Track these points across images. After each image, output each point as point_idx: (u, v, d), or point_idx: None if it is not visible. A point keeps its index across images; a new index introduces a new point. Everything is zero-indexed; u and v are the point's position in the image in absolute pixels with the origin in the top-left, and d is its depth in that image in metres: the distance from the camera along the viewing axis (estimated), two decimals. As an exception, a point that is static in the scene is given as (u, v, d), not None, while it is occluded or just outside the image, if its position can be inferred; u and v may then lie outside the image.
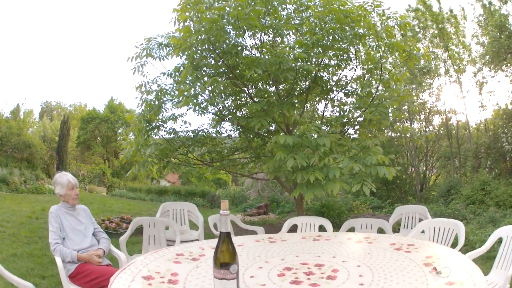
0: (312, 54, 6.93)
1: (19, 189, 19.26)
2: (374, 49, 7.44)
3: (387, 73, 7.51)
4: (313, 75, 7.07)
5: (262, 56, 7.11)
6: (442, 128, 17.88)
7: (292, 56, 6.46)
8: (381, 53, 7.30)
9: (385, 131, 8.74)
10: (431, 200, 16.00)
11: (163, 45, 7.31)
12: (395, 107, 8.26)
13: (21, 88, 65.18)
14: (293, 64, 6.33)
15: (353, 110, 7.54)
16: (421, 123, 17.98)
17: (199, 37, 6.32)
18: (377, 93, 7.44)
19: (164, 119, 7.48)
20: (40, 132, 28.49)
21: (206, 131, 8.09)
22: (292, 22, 7.43)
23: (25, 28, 67.48)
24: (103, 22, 77.97)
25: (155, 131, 7.52)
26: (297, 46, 7.04)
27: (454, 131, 17.41)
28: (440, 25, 16.67)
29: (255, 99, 7.45)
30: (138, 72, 7.30)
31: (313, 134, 6.16)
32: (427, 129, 17.64)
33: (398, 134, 9.77)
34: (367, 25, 7.02)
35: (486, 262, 6.02)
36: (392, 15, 7.34)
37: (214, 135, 8.27)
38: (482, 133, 18.21)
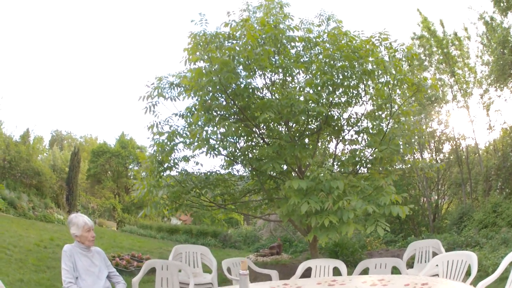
0: (322, 94, 6.99)
1: (27, 214, 19.30)
2: (383, 84, 7.49)
3: (397, 106, 7.52)
4: (324, 115, 7.07)
5: (273, 96, 7.17)
6: (452, 155, 17.76)
7: (303, 98, 6.47)
8: (390, 88, 7.33)
9: (396, 165, 8.69)
10: (444, 229, 15.78)
11: (174, 85, 7.38)
12: (406, 145, 8.23)
13: (32, 113, 66.25)
14: (305, 107, 6.35)
15: (364, 149, 7.54)
16: (431, 153, 17.89)
17: (211, 79, 6.38)
18: (388, 129, 7.43)
19: (176, 160, 7.48)
20: (50, 161, 28.77)
21: (218, 172, 8.08)
22: (302, 60, 7.51)
23: (40, 56, 69.24)
24: (117, 57, 79.57)
25: (167, 172, 7.52)
26: (307, 86, 7.10)
27: (464, 157, 17.27)
28: (445, 50, 16.79)
29: (266, 140, 7.46)
30: (149, 112, 7.35)
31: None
32: (438, 158, 17.54)
33: (409, 165, 9.67)
34: (376, 61, 7.09)
35: (498, 285, 5.99)
36: (399, 47, 7.41)
37: (226, 176, 8.25)
38: (491, 155, 18.07)
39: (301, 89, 7.07)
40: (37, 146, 27.40)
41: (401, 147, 7.64)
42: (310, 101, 6.56)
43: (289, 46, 7.38)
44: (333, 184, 5.62)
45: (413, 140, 13.54)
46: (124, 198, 32.24)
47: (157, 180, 7.34)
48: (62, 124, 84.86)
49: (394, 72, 7.25)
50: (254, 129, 7.36)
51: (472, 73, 18.11)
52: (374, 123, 7.61)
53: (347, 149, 8.37)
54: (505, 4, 18.43)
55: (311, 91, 6.87)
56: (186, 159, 7.52)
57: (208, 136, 6.52)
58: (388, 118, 7.46)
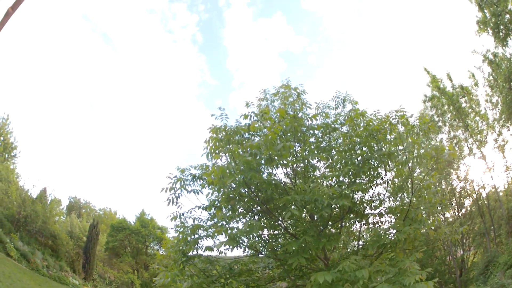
0: (344, 181, 7.03)
1: (40, 271, 19.09)
2: (403, 163, 7.50)
3: (418, 182, 7.49)
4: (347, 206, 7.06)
5: (295, 188, 7.21)
6: (473, 206, 17.45)
7: (325, 193, 6.48)
8: (410, 167, 7.35)
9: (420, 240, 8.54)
10: (471, 281, 15.29)
11: (196, 177, 7.51)
12: (430, 217, 8.13)
13: (51, 175, 67.45)
14: (328, 202, 6.36)
15: (388, 231, 7.43)
16: (454, 211, 17.59)
17: (234, 178, 6.46)
18: (410, 207, 7.36)
19: (199, 249, 7.43)
20: (67, 227, 29.01)
21: (242, 261, 7.97)
22: (321, 145, 7.62)
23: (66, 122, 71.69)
24: (141, 133, 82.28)
25: (190, 261, 7.45)
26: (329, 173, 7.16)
27: (485, 207, 16.94)
28: (456, 105, 16.99)
29: (290, 230, 7.40)
30: (172, 203, 7.42)
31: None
32: (460, 213, 17.22)
33: (433, 237, 9.52)
34: (394, 141, 7.17)
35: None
36: (415, 122, 7.51)
37: (250, 265, 8.12)
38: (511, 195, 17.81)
39: (323, 182, 7.08)
40: (54, 208, 27.71)
41: (424, 224, 7.52)
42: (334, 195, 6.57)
43: (308, 134, 7.54)
44: (358, 274, 5.53)
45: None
46: (143, 274, 32.35)
47: (181, 269, 7.27)
48: (81, 191, 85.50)
49: (413, 150, 7.31)
50: (278, 222, 7.32)
51: (484, 120, 18.19)
52: (397, 203, 7.55)
53: (371, 231, 8.23)
54: (503, 32, 18.91)
55: (332, 182, 6.90)
56: (209, 248, 7.47)
57: (233, 234, 6.49)
58: (410, 195, 7.41)
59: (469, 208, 18.07)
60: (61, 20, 67.33)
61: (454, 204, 17.59)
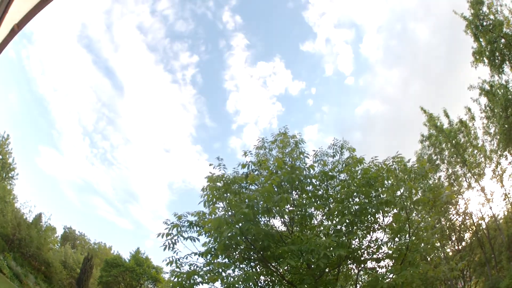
0: (342, 230, 7.00)
1: None
2: (400, 209, 7.53)
3: (416, 225, 7.51)
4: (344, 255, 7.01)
5: (292, 235, 7.18)
6: (473, 238, 17.35)
7: (322, 243, 6.46)
8: (408, 213, 7.37)
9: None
10: None
11: (193, 224, 7.47)
12: (427, 259, 8.10)
13: (48, 204, 66.74)
14: (325, 253, 6.32)
15: (385, 276, 7.36)
16: (453, 244, 17.48)
17: (231, 229, 6.43)
18: (407, 251, 7.33)
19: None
20: (61, 257, 28.75)
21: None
22: (319, 193, 7.63)
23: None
24: (136, 172, 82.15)
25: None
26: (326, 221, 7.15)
27: (485, 237, 16.86)
28: (453, 141, 17.11)
29: (287, 278, 7.33)
30: (168, 249, 7.37)
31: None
32: (460, 246, 17.11)
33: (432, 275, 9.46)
34: (391, 189, 7.21)
35: None
36: (412, 167, 7.57)
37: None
38: (511, 222, 17.74)
39: (320, 231, 7.06)
40: (49, 235, 27.53)
41: (422, 267, 7.48)
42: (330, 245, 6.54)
43: (305, 181, 7.54)
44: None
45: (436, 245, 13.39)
46: (136, 311, 31.90)
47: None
48: (76, 223, 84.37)
49: (411, 196, 7.35)
50: (274, 270, 7.25)
51: (482, 153, 18.26)
52: (393, 247, 7.52)
53: (369, 275, 8.15)
54: (498, 58, 19.15)
55: (330, 231, 6.88)
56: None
57: (230, 283, 6.42)
58: (407, 239, 7.41)
59: (469, 240, 17.92)
60: (63, 49, 68.20)
61: (453, 239, 17.46)
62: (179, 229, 7.37)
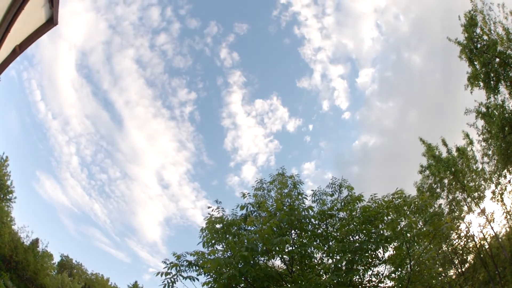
0: (342, 268, 6.96)
1: None
2: (401, 244, 7.53)
3: (417, 257, 7.50)
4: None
5: (291, 275, 7.12)
6: (476, 259, 17.28)
7: (322, 283, 6.41)
8: (409, 247, 7.35)
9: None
10: None
11: (192, 264, 7.41)
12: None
13: (45, 231, 65.89)
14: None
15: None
16: (456, 268, 17.38)
17: (230, 270, 6.40)
18: (408, 284, 7.30)
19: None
20: (58, 284, 28.38)
21: None
22: (318, 231, 7.60)
23: None
24: (132, 208, 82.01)
25: None
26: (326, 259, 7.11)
27: (488, 256, 16.78)
28: (452, 168, 17.20)
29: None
30: (168, 288, 7.28)
31: None
32: (463, 268, 17.02)
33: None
34: (391, 225, 7.20)
35: None
36: (412, 201, 7.60)
37: None
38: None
39: (320, 270, 7.02)
40: (46, 261, 27.24)
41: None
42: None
43: (304, 221, 7.53)
44: None
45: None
46: None
47: None
48: (72, 252, 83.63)
49: (411, 231, 7.35)
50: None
51: (481, 176, 18.31)
52: (396, 279, 7.48)
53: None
54: (493, 79, 19.33)
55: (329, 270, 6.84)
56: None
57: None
58: (408, 272, 7.39)
59: (472, 261, 17.81)
60: (63, 77, 68.70)
61: (456, 262, 17.36)
62: (178, 269, 7.31)
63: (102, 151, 71.67)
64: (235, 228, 7.01)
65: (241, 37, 71.26)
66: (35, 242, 28.51)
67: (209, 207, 7.06)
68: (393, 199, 7.58)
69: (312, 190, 8.04)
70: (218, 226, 6.98)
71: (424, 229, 7.96)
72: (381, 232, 7.23)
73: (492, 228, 17.62)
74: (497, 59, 19.63)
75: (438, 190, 17.70)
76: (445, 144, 18.47)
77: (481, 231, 19.50)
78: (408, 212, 7.79)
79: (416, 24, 65.81)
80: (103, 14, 66.51)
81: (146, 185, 75.56)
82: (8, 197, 38.29)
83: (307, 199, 7.58)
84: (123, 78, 72.97)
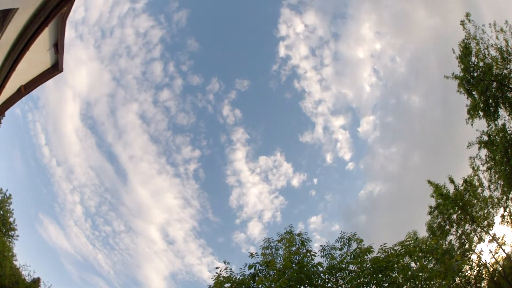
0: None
1: None
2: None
3: None
4: None
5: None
6: (490, 283, 17.04)
7: None
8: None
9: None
10: None
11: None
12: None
13: (45, 276, 64.92)
14: None
15: None
16: None
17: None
18: None
19: None
20: None
21: None
22: (327, 286, 7.51)
23: None
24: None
25: None
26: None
27: (502, 277, 16.53)
28: (460, 203, 17.20)
29: None
30: None
31: None
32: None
33: None
34: (402, 272, 7.11)
35: None
36: (423, 241, 7.56)
37: None
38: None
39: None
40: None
41: None
42: None
43: (314, 276, 7.45)
44: None
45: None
46: None
47: None
48: None
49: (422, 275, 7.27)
50: None
51: (490, 203, 18.24)
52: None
53: None
54: (493, 105, 19.44)
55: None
56: None
57: None
58: None
59: (486, 287, 17.52)
60: (67, 125, 69.46)
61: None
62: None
63: (107, 203, 71.69)
64: (244, 287, 6.93)
65: (242, 94, 72.80)
66: (37, 281, 28.02)
67: (217, 268, 7.02)
68: (405, 241, 7.57)
69: (321, 245, 8.02)
70: (226, 285, 6.91)
71: (435, 268, 7.89)
72: (393, 280, 7.15)
73: (503, 250, 17.44)
74: (494, 83, 19.87)
75: (447, 227, 17.65)
76: (452, 181, 18.63)
77: (493, 256, 19.25)
78: (420, 254, 7.76)
79: (412, 63, 67.21)
80: (107, 65, 67.96)
81: (151, 240, 75.13)
82: (10, 233, 38.06)
83: (315, 255, 7.54)
84: (127, 132, 73.84)
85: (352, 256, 7.52)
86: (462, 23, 19.08)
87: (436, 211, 18.39)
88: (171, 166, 74.08)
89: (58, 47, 10.62)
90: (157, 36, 66.99)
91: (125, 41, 65.91)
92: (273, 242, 8.08)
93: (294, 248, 7.43)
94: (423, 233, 18.08)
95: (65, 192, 68.79)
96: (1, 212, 37.80)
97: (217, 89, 72.10)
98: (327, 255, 7.93)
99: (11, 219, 37.32)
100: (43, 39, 9.86)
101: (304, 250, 7.39)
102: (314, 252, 7.54)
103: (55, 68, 11.26)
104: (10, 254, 34.62)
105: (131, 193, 75.18)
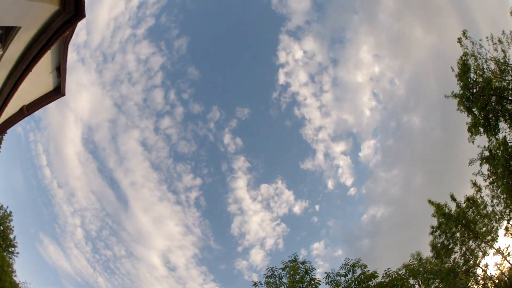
0: None
1: None
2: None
3: None
4: None
5: None
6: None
7: None
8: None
9: None
10: None
11: None
12: None
13: None
14: None
15: None
16: None
17: None
18: None
19: None
20: None
21: None
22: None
23: None
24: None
25: None
26: None
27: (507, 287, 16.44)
28: (463, 221, 17.17)
29: None
30: None
31: None
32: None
33: None
34: None
35: None
36: (428, 260, 7.49)
37: None
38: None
39: None
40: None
41: None
42: None
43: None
44: None
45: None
46: None
47: None
48: None
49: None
50: None
51: (493, 217, 18.18)
52: None
53: None
54: (492, 119, 19.45)
55: None
56: None
57: None
58: None
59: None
60: (69, 148, 69.73)
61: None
62: None
63: (107, 228, 71.55)
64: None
65: (243, 122, 73.29)
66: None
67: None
68: (409, 264, 7.56)
69: (326, 272, 7.96)
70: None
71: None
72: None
73: (508, 261, 17.33)
74: (493, 97, 19.93)
75: (451, 245, 17.58)
76: (453, 199, 18.59)
77: (498, 268, 19.07)
78: (425, 274, 7.74)
79: (411, 84, 67.65)
80: (108, 91, 68.53)
81: (152, 266, 74.75)
82: (10, 249, 37.85)
83: (320, 283, 7.48)
84: (128, 159, 74.09)
85: (356, 282, 7.44)
86: (459, 40, 19.24)
87: (439, 231, 18.32)
88: (173, 193, 74.02)
89: (60, 70, 10.70)
90: (158, 63, 67.61)
91: (126, 67, 66.61)
92: (277, 271, 8.03)
93: (298, 277, 7.36)
94: (427, 253, 18.16)
95: (66, 215, 68.68)
96: (1, 228, 37.69)
97: (217, 118, 72.40)
98: (331, 282, 7.85)
99: (11, 236, 37.14)
100: (46, 62, 9.97)
101: (308, 278, 7.31)
102: (318, 280, 7.49)
103: (57, 91, 11.35)
104: (10, 269, 34.41)
105: (132, 219, 75.07)
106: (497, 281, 17.35)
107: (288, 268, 7.77)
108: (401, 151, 69.47)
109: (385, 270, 7.51)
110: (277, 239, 71.27)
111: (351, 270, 7.93)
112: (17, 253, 36.59)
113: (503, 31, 19.32)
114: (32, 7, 7.15)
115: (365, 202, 75.76)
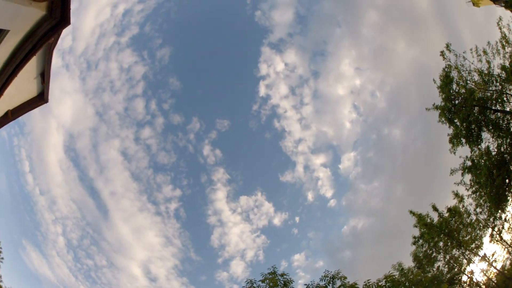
0: None
1: None
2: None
3: None
4: None
5: None
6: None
7: None
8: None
9: None
10: None
11: None
12: None
13: None
14: None
15: None
16: None
17: None
18: None
19: None
20: None
21: None
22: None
23: None
24: None
25: None
26: None
27: None
28: (446, 230, 17.43)
29: None
30: None
31: None
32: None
33: None
34: None
35: None
36: (408, 274, 7.61)
37: None
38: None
39: None
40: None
41: None
42: None
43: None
44: None
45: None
46: None
47: None
48: None
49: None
50: None
51: (477, 225, 18.45)
52: None
53: None
54: (475, 130, 19.77)
55: None
56: None
57: None
58: None
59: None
60: (51, 155, 68.79)
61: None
62: None
63: (88, 237, 70.57)
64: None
65: (222, 134, 73.32)
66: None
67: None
68: (390, 274, 7.65)
69: (305, 284, 8.02)
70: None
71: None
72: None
73: (494, 267, 17.60)
74: (476, 108, 20.26)
75: (434, 254, 17.81)
76: (435, 209, 18.84)
77: (485, 274, 19.37)
78: (406, 284, 7.87)
79: (392, 96, 68.34)
80: (91, 99, 67.80)
81: (133, 276, 74.02)
82: (-5, 254, 36.89)
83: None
84: (108, 168, 73.30)
85: (336, 294, 7.52)
86: (442, 53, 19.54)
87: (421, 240, 18.54)
88: (152, 204, 73.41)
89: (44, 76, 10.65)
90: (140, 73, 66.46)
91: (109, 75, 65.75)
92: (256, 283, 8.07)
93: (277, 289, 7.40)
94: (409, 263, 18.32)
95: (47, 222, 67.50)
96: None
97: (197, 129, 72.13)
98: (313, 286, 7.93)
99: (-4, 244, 36.20)
100: (31, 67, 9.93)
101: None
102: (297, 294, 7.52)
103: (41, 97, 11.26)
104: (-6, 274, 33.51)
105: (113, 229, 74.18)
106: (484, 287, 17.60)
107: (267, 280, 7.81)
108: (382, 163, 70.12)
109: (365, 282, 7.62)
110: (257, 250, 71.08)
111: (331, 282, 8.01)
112: (2, 258, 35.69)
113: (489, 42, 19.62)
114: (20, 11, 7.19)
115: (345, 214, 76.18)
